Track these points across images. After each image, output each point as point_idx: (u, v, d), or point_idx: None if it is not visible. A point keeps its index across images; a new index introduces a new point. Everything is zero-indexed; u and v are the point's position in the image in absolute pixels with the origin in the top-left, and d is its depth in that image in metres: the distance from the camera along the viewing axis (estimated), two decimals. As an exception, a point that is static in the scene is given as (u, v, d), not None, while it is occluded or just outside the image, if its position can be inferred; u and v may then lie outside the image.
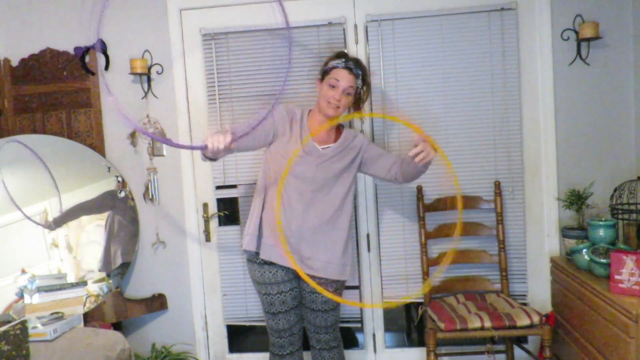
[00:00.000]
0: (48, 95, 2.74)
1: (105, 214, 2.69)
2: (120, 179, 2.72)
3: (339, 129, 2.21)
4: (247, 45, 2.63)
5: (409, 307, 2.92)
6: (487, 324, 2.17)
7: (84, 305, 2.51)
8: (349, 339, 2.85)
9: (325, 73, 2.10)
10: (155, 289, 2.79)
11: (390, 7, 2.57)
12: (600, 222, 2.29)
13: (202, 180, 2.75)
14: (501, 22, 2.53)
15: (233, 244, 2.73)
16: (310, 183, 2.05)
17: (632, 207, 2.31)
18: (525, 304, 2.42)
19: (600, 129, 2.56)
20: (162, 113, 2.72)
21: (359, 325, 2.74)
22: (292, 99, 2.61)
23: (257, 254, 2.11)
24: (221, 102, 2.67)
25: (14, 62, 2.75)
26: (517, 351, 2.57)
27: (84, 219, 2.67)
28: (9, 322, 2.05)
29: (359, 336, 2.85)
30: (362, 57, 2.57)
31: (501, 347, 2.62)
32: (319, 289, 1.91)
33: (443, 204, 2.57)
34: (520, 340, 2.65)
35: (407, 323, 2.97)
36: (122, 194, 2.73)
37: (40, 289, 2.40)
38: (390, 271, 2.67)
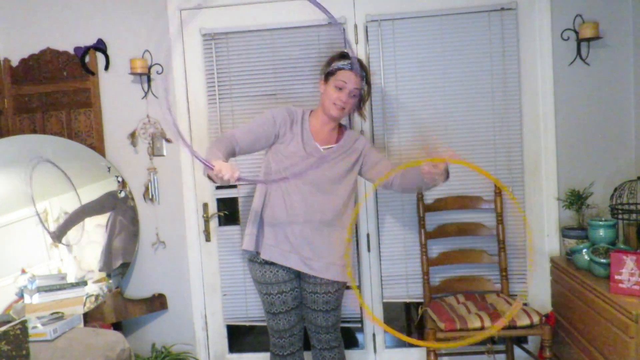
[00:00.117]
0: (48, 95, 2.74)
1: (107, 215, 2.69)
2: (120, 179, 2.72)
3: (341, 129, 2.21)
4: (247, 45, 2.63)
5: (409, 307, 2.92)
6: (487, 324, 2.17)
7: (84, 305, 2.51)
8: (349, 339, 2.85)
9: (330, 74, 2.08)
10: (155, 289, 2.79)
11: (390, 7, 2.57)
12: (600, 222, 2.29)
13: (202, 180, 2.75)
14: (501, 22, 2.53)
15: (233, 244, 2.73)
16: (312, 183, 2.05)
17: (632, 207, 2.31)
18: (525, 304, 2.42)
19: (600, 129, 2.56)
20: (162, 113, 2.72)
21: (359, 325, 2.74)
22: (292, 99, 2.61)
23: (258, 253, 2.11)
24: (221, 102, 2.67)
25: (14, 62, 2.75)
26: (517, 351, 2.57)
27: (85, 220, 2.67)
28: (9, 322, 2.05)
29: (359, 336, 2.85)
30: (362, 57, 2.57)
31: (501, 347, 2.62)
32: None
33: (443, 204, 2.57)
34: (520, 340, 2.65)
35: (407, 323, 2.97)
36: (122, 194, 2.73)
37: (40, 289, 2.40)
38: (390, 271, 2.67)
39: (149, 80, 2.70)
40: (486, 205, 2.55)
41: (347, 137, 2.17)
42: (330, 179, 2.07)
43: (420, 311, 2.54)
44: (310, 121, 2.14)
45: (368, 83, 2.18)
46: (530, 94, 2.57)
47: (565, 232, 2.47)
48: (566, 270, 2.39)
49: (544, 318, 2.21)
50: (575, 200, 2.46)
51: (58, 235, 2.60)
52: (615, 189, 2.39)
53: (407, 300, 2.71)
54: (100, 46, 2.70)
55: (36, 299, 2.39)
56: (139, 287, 2.79)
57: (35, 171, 2.61)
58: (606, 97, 2.54)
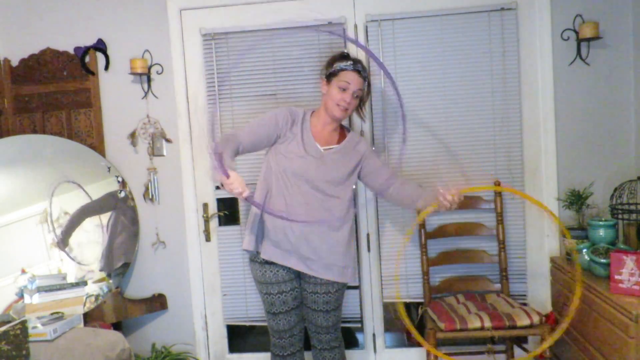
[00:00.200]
0: (48, 95, 2.74)
1: (107, 215, 2.69)
2: (120, 179, 2.72)
3: (342, 131, 2.21)
4: (247, 45, 2.63)
5: (409, 307, 2.92)
6: (487, 324, 2.17)
7: (84, 305, 2.51)
8: (349, 339, 2.85)
9: (332, 75, 2.07)
10: (155, 289, 2.79)
11: (390, 7, 2.57)
12: (600, 222, 2.29)
13: (202, 180, 2.75)
14: (501, 22, 2.53)
15: (233, 244, 2.73)
16: (312, 183, 2.05)
17: (632, 207, 2.31)
18: (525, 304, 2.42)
19: (600, 129, 2.56)
20: (162, 113, 2.72)
21: (359, 325, 2.74)
22: (292, 99, 2.61)
23: (258, 253, 2.11)
24: (221, 102, 2.67)
25: (14, 62, 2.75)
26: (517, 351, 2.56)
27: (85, 222, 2.67)
28: (9, 322, 2.05)
29: (359, 336, 2.85)
30: (362, 57, 2.57)
31: (501, 347, 2.62)
32: None
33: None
34: (520, 340, 2.65)
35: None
36: (122, 194, 2.73)
37: (40, 289, 2.40)
38: (390, 271, 2.67)
39: (149, 80, 2.70)
40: (486, 205, 2.55)
41: (349, 139, 2.17)
42: (331, 181, 2.07)
43: (420, 311, 2.54)
44: (312, 121, 2.14)
45: (368, 83, 2.18)
46: (530, 94, 2.57)
47: (565, 232, 2.47)
48: (566, 270, 2.39)
49: (544, 318, 2.21)
50: (575, 200, 2.46)
51: (63, 241, 2.61)
52: (615, 189, 2.39)
53: (407, 300, 2.71)
54: (100, 46, 2.70)
55: (36, 299, 2.39)
56: (139, 287, 2.79)
57: (35, 171, 2.61)
58: (606, 97, 2.54)
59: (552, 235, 2.60)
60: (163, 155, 2.75)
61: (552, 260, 2.57)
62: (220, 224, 2.75)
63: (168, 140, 2.73)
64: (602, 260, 2.14)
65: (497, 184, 2.52)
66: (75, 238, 2.64)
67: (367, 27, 2.58)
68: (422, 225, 2.55)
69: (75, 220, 2.64)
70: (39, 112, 2.75)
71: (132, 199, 2.74)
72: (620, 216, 2.31)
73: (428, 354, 2.26)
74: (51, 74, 2.73)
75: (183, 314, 2.80)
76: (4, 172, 2.57)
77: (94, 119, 2.73)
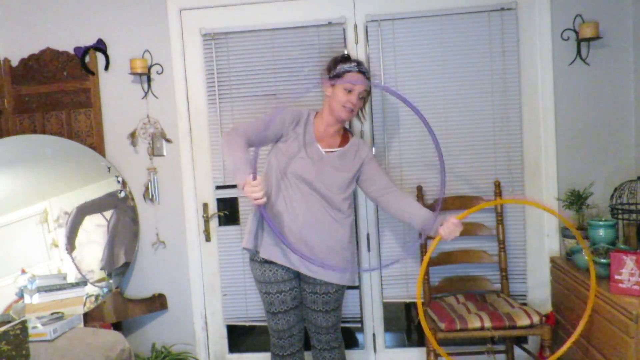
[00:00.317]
0: (48, 95, 2.74)
1: (108, 214, 2.69)
2: (120, 179, 2.72)
3: (345, 134, 2.21)
4: (247, 45, 2.63)
5: (409, 307, 2.92)
6: (487, 324, 2.17)
7: (84, 305, 2.52)
8: (349, 339, 2.85)
9: (337, 76, 2.08)
10: (155, 289, 2.79)
11: (390, 7, 2.57)
12: (600, 222, 2.29)
13: (202, 180, 2.75)
14: (501, 22, 2.53)
15: (233, 244, 2.73)
16: (311, 185, 2.04)
17: (632, 207, 2.31)
18: (525, 304, 2.42)
19: (600, 129, 2.56)
20: (162, 113, 2.72)
21: (359, 325, 2.74)
22: (292, 99, 2.61)
23: (258, 252, 2.11)
24: (221, 102, 2.67)
25: (14, 62, 2.75)
26: (517, 351, 2.57)
27: (86, 221, 2.67)
28: (9, 322, 2.05)
29: (359, 336, 2.85)
30: (362, 57, 2.57)
31: (501, 347, 2.62)
32: None
33: (443, 204, 2.56)
34: (520, 340, 2.65)
35: (407, 323, 2.97)
36: (122, 194, 2.73)
37: (40, 289, 2.40)
38: (390, 271, 2.67)
39: (149, 80, 2.70)
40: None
41: (352, 144, 2.17)
42: (330, 183, 2.07)
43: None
44: (315, 123, 2.14)
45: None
46: (530, 94, 2.57)
47: (565, 232, 2.47)
48: (566, 270, 2.39)
49: (544, 318, 2.21)
50: (575, 200, 2.46)
51: (70, 245, 2.61)
52: (615, 189, 2.39)
53: (407, 300, 2.71)
54: (100, 46, 2.70)
55: (36, 299, 2.39)
56: (139, 287, 2.79)
57: (35, 171, 2.62)
58: (606, 97, 2.54)
59: (552, 235, 2.60)
60: (163, 155, 2.75)
61: (552, 260, 2.57)
62: (220, 224, 2.75)
63: (168, 140, 2.73)
64: (602, 260, 2.14)
65: (497, 184, 2.53)
66: (77, 241, 2.64)
67: (367, 27, 2.58)
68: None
69: (76, 221, 2.64)
70: (39, 112, 2.75)
71: (132, 199, 2.74)
72: (620, 216, 2.31)
73: (428, 353, 2.26)
74: (51, 74, 2.73)
75: (183, 314, 2.80)
76: (4, 172, 2.57)
77: (94, 119, 2.73)
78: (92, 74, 2.71)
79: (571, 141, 2.57)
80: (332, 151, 2.12)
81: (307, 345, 2.29)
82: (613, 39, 2.50)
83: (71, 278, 2.57)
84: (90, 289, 2.59)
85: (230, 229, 2.73)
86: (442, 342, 2.68)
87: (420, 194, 2.57)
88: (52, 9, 2.72)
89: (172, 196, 2.76)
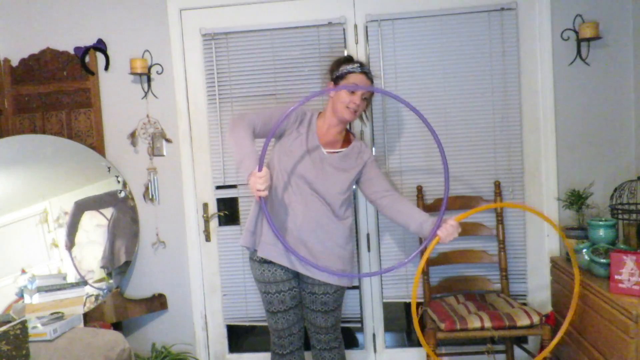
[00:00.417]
0: (48, 95, 2.74)
1: (108, 214, 2.69)
2: (120, 179, 2.72)
3: (347, 136, 2.21)
4: (247, 45, 2.63)
5: (409, 307, 2.92)
6: (487, 324, 2.17)
7: (84, 305, 2.52)
8: (349, 339, 2.85)
9: (340, 77, 2.09)
10: (155, 289, 2.79)
11: (390, 7, 2.57)
12: (600, 222, 2.28)
13: (202, 180, 2.75)
14: (501, 22, 2.53)
15: (233, 244, 2.73)
16: (312, 185, 2.04)
17: (632, 207, 2.31)
18: (525, 304, 2.42)
19: (600, 129, 2.56)
20: (162, 113, 2.72)
21: (359, 325, 2.74)
22: (292, 99, 2.61)
23: (256, 251, 2.11)
24: (221, 102, 2.67)
25: (14, 62, 2.75)
26: (517, 351, 2.56)
27: (85, 219, 2.67)
28: (9, 322, 2.05)
29: (359, 336, 2.85)
30: (362, 57, 2.57)
31: (501, 347, 2.62)
32: None
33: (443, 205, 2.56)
34: (520, 340, 2.65)
35: (407, 323, 2.97)
36: (122, 194, 2.73)
37: (40, 289, 2.40)
38: (390, 271, 2.67)
39: (149, 80, 2.70)
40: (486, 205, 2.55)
41: (353, 146, 2.16)
42: (332, 186, 2.06)
43: (420, 311, 2.54)
44: (317, 123, 2.14)
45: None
46: (530, 94, 2.57)
47: (565, 232, 2.46)
48: (566, 270, 2.39)
49: (544, 318, 2.21)
50: (575, 200, 2.46)
51: (70, 241, 2.61)
52: (615, 189, 2.39)
53: (407, 300, 2.71)
54: (100, 46, 2.70)
55: (36, 299, 2.39)
56: (139, 287, 2.79)
57: (35, 171, 2.62)
58: (606, 97, 2.54)
59: (552, 235, 2.60)
60: (163, 155, 2.75)
61: (552, 260, 2.57)
62: (220, 224, 2.75)
63: (168, 140, 2.73)
64: (602, 260, 2.14)
65: (497, 184, 2.53)
66: (76, 238, 2.64)
67: (367, 27, 2.58)
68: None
69: (75, 217, 2.64)
70: (39, 112, 2.75)
71: (132, 199, 2.74)
72: (620, 216, 2.31)
73: (428, 354, 2.26)
74: (51, 74, 2.73)
75: (183, 314, 2.80)
76: (4, 172, 2.57)
77: (94, 119, 2.73)
78: (92, 74, 2.71)
79: (571, 141, 2.57)
80: (333, 152, 2.12)
81: (307, 345, 2.29)
82: (613, 39, 2.50)
83: (71, 278, 2.57)
84: (90, 289, 2.59)
85: (230, 229, 2.73)
86: (442, 342, 2.69)
87: (420, 195, 2.57)
88: (52, 9, 2.73)
89: (172, 196, 2.76)
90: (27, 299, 2.40)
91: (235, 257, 2.74)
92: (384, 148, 2.62)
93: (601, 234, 2.27)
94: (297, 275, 2.15)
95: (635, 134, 2.54)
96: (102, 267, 2.65)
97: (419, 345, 2.79)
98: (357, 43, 2.61)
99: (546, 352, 2.08)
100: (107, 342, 2.17)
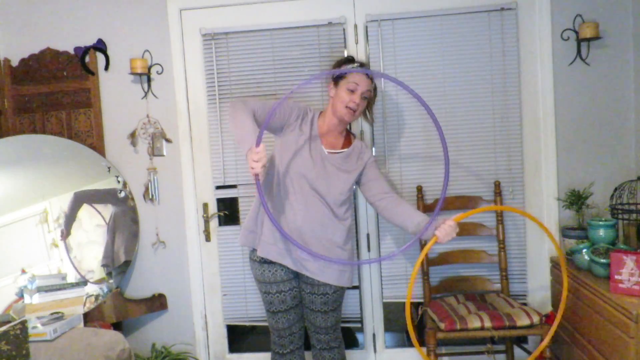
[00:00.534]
0: (48, 95, 2.74)
1: (108, 214, 2.69)
2: (120, 179, 2.72)
3: (348, 136, 2.21)
4: (247, 45, 2.63)
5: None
6: (487, 324, 2.17)
7: (84, 305, 2.52)
8: (349, 338, 2.86)
9: (340, 77, 2.09)
10: (155, 289, 2.79)
11: (390, 7, 2.57)
12: (600, 222, 2.29)
13: (202, 180, 2.75)
14: (501, 22, 2.53)
15: (233, 244, 2.73)
16: (312, 184, 2.04)
17: (632, 207, 2.31)
18: (525, 304, 2.42)
19: (600, 129, 2.56)
20: (162, 113, 2.72)
21: (359, 325, 2.74)
22: (292, 99, 2.61)
23: (256, 250, 2.11)
24: (221, 102, 2.67)
25: (14, 62, 2.75)
26: (517, 351, 2.57)
27: (85, 219, 2.67)
28: (9, 322, 2.05)
29: (359, 336, 2.85)
30: (362, 57, 2.57)
31: (501, 347, 2.62)
32: None
33: (443, 204, 2.56)
34: (520, 340, 2.65)
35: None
36: (122, 194, 2.73)
37: (40, 289, 2.40)
38: (390, 271, 2.67)
39: (149, 80, 2.70)
40: (486, 205, 2.55)
41: (354, 147, 2.16)
42: (333, 186, 2.06)
43: (420, 311, 2.54)
44: (319, 123, 2.14)
45: (374, 87, 2.18)
46: (530, 94, 2.57)
47: (565, 232, 2.47)
48: (566, 271, 2.38)
49: (544, 318, 2.21)
50: (575, 200, 2.46)
51: (67, 230, 2.61)
52: (615, 189, 2.39)
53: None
54: (100, 46, 2.70)
55: (36, 299, 2.39)
56: (139, 287, 2.79)
57: (35, 171, 2.62)
58: (606, 97, 2.54)
59: (552, 235, 2.60)
60: (163, 155, 2.75)
61: (552, 260, 2.57)
62: (220, 224, 2.75)
63: (168, 140, 2.73)
64: (602, 260, 2.14)
65: (497, 184, 2.53)
66: (75, 238, 2.64)
67: (367, 27, 2.58)
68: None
69: (74, 208, 2.64)
70: (39, 112, 2.75)
71: (132, 199, 2.74)
72: (620, 216, 2.31)
73: (428, 353, 2.26)
74: (51, 74, 2.73)
75: (183, 314, 2.80)
76: (4, 172, 2.57)
77: (94, 119, 2.73)
78: (92, 74, 2.71)
79: (571, 141, 2.57)
80: (334, 152, 2.12)
81: (307, 345, 2.29)
82: (613, 39, 2.50)
83: (71, 278, 2.57)
84: (90, 289, 2.59)
85: (230, 229, 2.73)
86: (442, 342, 2.69)
87: (420, 195, 2.57)
88: (52, 9, 2.73)
89: (172, 196, 2.76)
90: (27, 299, 2.40)
91: (235, 257, 2.74)
92: (384, 148, 2.62)
93: (601, 234, 2.27)
94: (297, 275, 2.15)
95: (635, 134, 2.54)
96: (103, 265, 2.65)
97: (420, 344, 2.79)
98: (357, 43, 2.61)
99: (537, 353, 2.08)
100: (107, 342, 2.17)
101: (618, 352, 1.93)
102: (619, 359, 1.93)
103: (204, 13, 2.67)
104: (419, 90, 2.57)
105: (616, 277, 2.00)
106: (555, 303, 2.56)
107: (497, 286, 2.56)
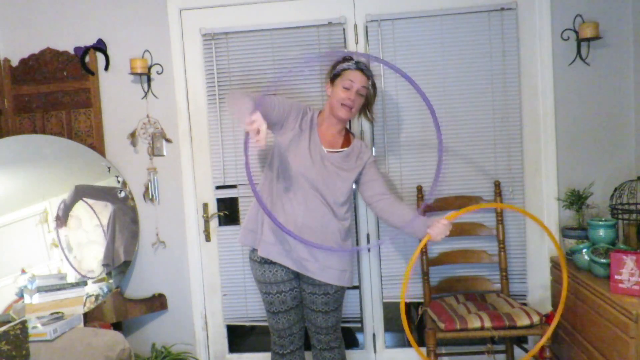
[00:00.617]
0: (48, 95, 2.74)
1: (107, 214, 2.69)
2: (120, 179, 2.72)
3: (347, 135, 2.20)
4: (247, 45, 2.63)
5: (409, 307, 2.92)
6: (487, 324, 2.17)
7: (84, 305, 2.52)
8: (349, 339, 2.86)
9: (336, 76, 2.10)
10: (155, 289, 2.79)
11: (390, 7, 2.57)
12: (600, 222, 2.29)
13: (202, 180, 2.75)
14: (501, 22, 2.53)
15: (233, 244, 2.72)
16: (313, 183, 2.04)
17: (632, 207, 2.31)
18: (525, 304, 2.42)
19: (600, 129, 2.56)
20: (162, 113, 2.72)
21: (359, 325, 2.74)
22: (291, 99, 2.61)
23: (256, 250, 2.11)
24: (221, 102, 2.67)
25: (14, 62, 2.75)
26: (517, 351, 2.57)
27: (85, 220, 2.67)
28: (9, 322, 2.05)
29: (359, 336, 2.85)
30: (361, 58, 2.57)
31: (501, 347, 2.62)
32: None
33: (443, 205, 2.57)
34: (520, 340, 2.65)
35: (407, 323, 2.96)
36: (122, 194, 2.73)
37: (40, 289, 2.40)
38: (390, 271, 2.67)
39: (149, 80, 2.70)
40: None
41: (354, 146, 2.17)
42: (334, 185, 2.06)
43: (420, 311, 2.54)
44: (318, 122, 2.14)
45: (374, 85, 2.18)
46: (530, 94, 2.57)
47: (565, 232, 2.47)
48: (566, 267, 2.38)
49: (544, 318, 2.21)
50: (575, 200, 2.46)
51: (64, 219, 2.61)
52: (615, 189, 2.39)
53: (407, 300, 2.70)
54: (100, 46, 2.70)
55: (36, 299, 2.39)
56: (139, 287, 2.79)
57: (35, 171, 2.62)
58: (606, 97, 2.54)
59: (550, 230, 2.59)
60: (163, 155, 2.75)
61: (552, 260, 2.57)
62: (220, 224, 2.75)
63: (168, 140, 2.73)
64: (602, 260, 2.14)
65: (497, 184, 2.53)
66: (75, 238, 2.64)
67: (367, 27, 2.58)
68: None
69: (72, 199, 2.64)
70: (39, 112, 2.75)
71: (132, 199, 2.74)
72: (620, 216, 2.31)
73: (428, 353, 2.27)
74: (51, 74, 2.73)
75: (183, 314, 2.80)
76: (4, 172, 2.57)
77: (94, 119, 2.73)
78: (92, 74, 2.71)
79: (571, 141, 2.57)
80: (333, 151, 2.12)
81: (308, 345, 2.29)
82: (613, 39, 2.50)
83: (71, 278, 2.57)
84: (90, 289, 2.59)
85: (230, 229, 2.73)
86: (442, 342, 2.69)
87: (420, 195, 2.57)
88: (52, 9, 2.72)
89: (172, 196, 2.76)
90: (27, 299, 2.40)
91: (235, 257, 2.74)
92: (384, 148, 2.62)
93: (601, 234, 2.27)
94: (297, 276, 2.15)
95: (635, 134, 2.54)
96: (104, 265, 2.65)
97: (419, 345, 2.78)
98: (357, 43, 2.61)
99: (535, 351, 2.08)
100: (107, 342, 2.17)
101: (618, 352, 1.93)
102: (618, 359, 1.93)
103: (204, 13, 2.67)
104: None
105: (616, 277, 2.01)
106: (555, 303, 2.56)
107: (497, 286, 2.56)
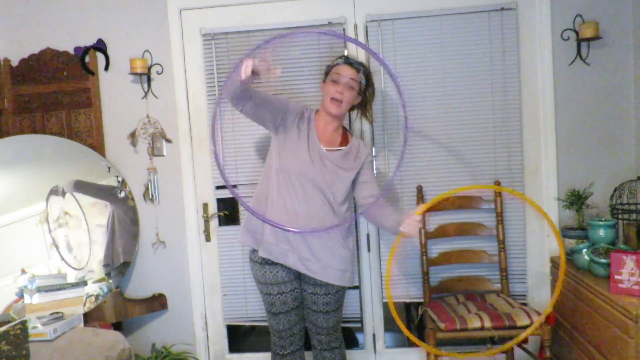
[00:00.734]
0: (48, 95, 2.74)
1: (107, 214, 2.69)
2: (120, 179, 2.72)
3: (345, 133, 2.21)
4: (246, 45, 2.63)
5: (409, 307, 2.92)
6: (487, 324, 2.17)
7: (84, 305, 2.52)
8: (350, 339, 2.86)
9: (327, 74, 2.14)
10: (155, 289, 2.79)
11: (390, 7, 2.57)
12: (600, 222, 2.29)
13: (202, 180, 2.75)
14: (501, 22, 2.53)
15: (233, 244, 2.72)
16: (314, 182, 2.04)
17: (632, 207, 2.31)
18: (525, 304, 2.42)
19: (600, 129, 2.56)
20: (162, 113, 2.72)
21: (359, 325, 2.74)
22: (292, 99, 2.61)
23: (256, 251, 2.11)
24: (221, 102, 2.67)
25: (14, 62, 2.75)
26: (517, 351, 2.56)
27: (85, 219, 2.67)
28: (9, 322, 2.05)
29: (359, 336, 2.85)
30: (362, 58, 2.57)
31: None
32: None
33: (443, 204, 2.57)
34: (521, 340, 2.64)
35: (407, 323, 2.97)
36: (122, 194, 2.73)
37: (40, 289, 2.40)
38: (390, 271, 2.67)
39: (149, 80, 2.70)
40: (486, 205, 2.55)
41: (352, 144, 2.16)
42: (334, 184, 2.06)
43: (420, 311, 2.54)
44: (316, 121, 2.14)
45: (371, 84, 2.18)
46: (530, 94, 2.57)
47: (565, 232, 2.47)
48: (566, 270, 2.39)
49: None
50: (575, 200, 2.46)
51: (62, 192, 2.62)
52: (615, 189, 2.39)
53: (407, 300, 2.71)
54: (100, 46, 2.70)
55: (36, 299, 2.39)
56: (139, 287, 2.79)
57: (35, 171, 2.62)
58: (606, 97, 2.54)
59: (552, 235, 2.60)
60: (163, 155, 2.75)
61: (552, 260, 2.57)
62: (220, 224, 2.75)
63: (168, 140, 2.73)
64: (602, 260, 2.14)
65: (498, 184, 2.53)
66: (75, 238, 2.64)
67: (367, 27, 2.58)
68: (423, 225, 2.55)
69: (72, 191, 2.64)
70: (39, 112, 2.75)
71: (132, 199, 2.74)
72: (620, 216, 2.31)
73: (428, 354, 2.27)
74: (51, 74, 2.73)
75: (183, 314, 2.80)
76: (4, 172, 2.57)
77: (94, 119, 2.73)
78: (92, 74, 2.71)
79: (571, 141, 2.57)
80: (332, 150, 2.12)
81: (308, 345, 2.29)
82: (613, 39, 2.50)
83: (71, 278, 2.57)
84: (90, 289, 2.59)
85: (230, 229, 2.73)
86: (442, 342, 2.69)
87: (420, 195, 2.56)
88: (52, 9, 2.72)
89: (172, 196, 2.76)
90: (27, 299, 2.40)
91: (235, 257, 2.74)
92: (384, 148, 2.62)
93: (601, 234, 2.28)
94: (298, 276, 2.15)
95: (635, 134, 2.54)
96: (105, 265, 2.65)
97: (419, 345, 2.79)
98: (357, 43, 2.61)
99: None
100: (107, 342, 2.17)
101: (618, 352, 1.93)
102: (618, 359, 1.93)
103: (204, 13, 2.67)
104: (419, 90, 2.58)
105: (616, 277, 2.01)
106: (555, 303, 2.55)
107: (497, 286, 2.56)
